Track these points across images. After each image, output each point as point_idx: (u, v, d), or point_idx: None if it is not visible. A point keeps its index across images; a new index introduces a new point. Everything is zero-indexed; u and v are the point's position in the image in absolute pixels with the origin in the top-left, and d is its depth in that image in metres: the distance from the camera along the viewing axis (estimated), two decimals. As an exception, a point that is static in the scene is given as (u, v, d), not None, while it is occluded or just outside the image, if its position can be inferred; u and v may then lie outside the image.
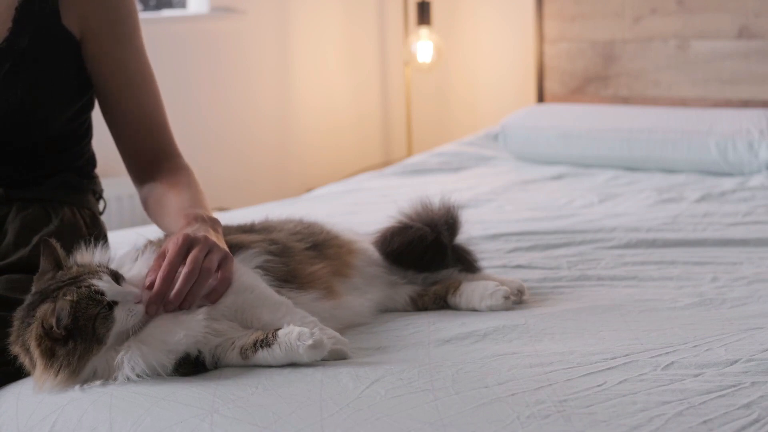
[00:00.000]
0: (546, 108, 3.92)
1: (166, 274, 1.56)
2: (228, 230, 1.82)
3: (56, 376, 1.51)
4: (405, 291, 1.94)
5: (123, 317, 1.52)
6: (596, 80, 3.99)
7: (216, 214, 1.79)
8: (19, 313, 1.56)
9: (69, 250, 1.81)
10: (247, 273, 1.67)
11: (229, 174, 4.02)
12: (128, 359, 1.52)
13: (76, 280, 1.54)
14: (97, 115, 1.96)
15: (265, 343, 1.56)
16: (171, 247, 1.59)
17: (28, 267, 1.76)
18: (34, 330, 1.50)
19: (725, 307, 1.93)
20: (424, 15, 4.28)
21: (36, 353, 1.51)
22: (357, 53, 4.47)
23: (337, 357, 1.60)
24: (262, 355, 1.56)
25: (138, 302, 1.53)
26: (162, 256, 1.60)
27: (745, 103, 3.68)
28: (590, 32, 3.98)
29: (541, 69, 4.11)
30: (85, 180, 1.94)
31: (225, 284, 1.62)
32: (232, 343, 1.59)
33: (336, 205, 3.07)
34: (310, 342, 1.54)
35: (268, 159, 4.18)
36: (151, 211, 1.87)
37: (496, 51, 4.44)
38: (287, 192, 4.11)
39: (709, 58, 3.75)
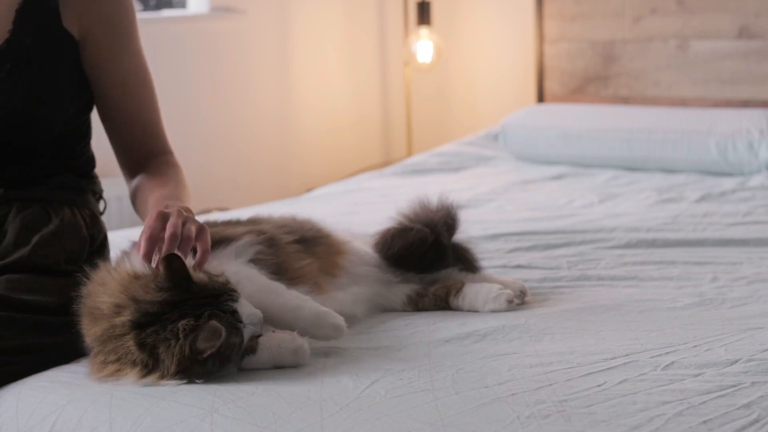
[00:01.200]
0: (546, 108, 3.92)
1: (149, 235, 1.62)
2: (213, 225, 1.83)
3: (167, 381, 1.52)
4: (402, 290, 1.94)
5: (247, 339, 1.55)
6: (596, 80, 3.99)
7: (216, 214, 1.80)
8: (138, 316, 1.52)
9: (69, 249, 1.82)
10: (242, 265, 1.69)
11: (229, 174, 4.01)
12: None
13: (217, 299, 1.53)
14: (95, 115, 1.96)
15: (249, 350, 1.57)
16: (147, 219, 1.66)
17: (28, 267, 1.76)
18: (177, 349, 1.49)
19: (725, 307, 1.93)
20: (424, 15, 4.28)
21: (171, 368, 1.50)
22: (357, 53, 4.47)
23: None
24: (249, 361, 1.58)
25: (260, 323, 1.57)
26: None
27: (745, 103, 3.68)
28: (590, 32, 3.97)
29: (541, 69, 4.10)
30: (85, 180, 1.94)
31: (206, 255, 1.65)
32: None
33: (336, 205, 3.07)
34: (291, 347, 1.58)
35: (268, 159, 4.17)
36: (136, 204, 1.91)
37: (496, 51, 4.44)
38: (287, 192, 4.11)
39: (709, 58, 3.75)
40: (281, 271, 1.74)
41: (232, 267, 1.67)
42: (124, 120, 1.92)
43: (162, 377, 1.51)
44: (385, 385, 1.51)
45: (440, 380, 1.52)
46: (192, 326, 1.49)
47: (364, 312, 1.87)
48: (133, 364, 1.53)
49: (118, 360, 1.55)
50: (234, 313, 1.53)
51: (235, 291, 1.56)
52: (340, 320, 1.65)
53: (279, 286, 1.68)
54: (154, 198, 1.80)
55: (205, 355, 1.49)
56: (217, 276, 1.58)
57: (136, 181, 1.92)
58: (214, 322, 1.49)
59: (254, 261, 1.73)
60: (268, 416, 1.43)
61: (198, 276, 1.56)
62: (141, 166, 1.93)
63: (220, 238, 1.74)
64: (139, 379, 1.53)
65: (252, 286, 1.64)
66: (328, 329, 1.64)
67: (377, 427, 1.38)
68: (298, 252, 1.82)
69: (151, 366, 1.52)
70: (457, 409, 1.42)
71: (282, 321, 1.63)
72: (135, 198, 1.91)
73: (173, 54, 3.80)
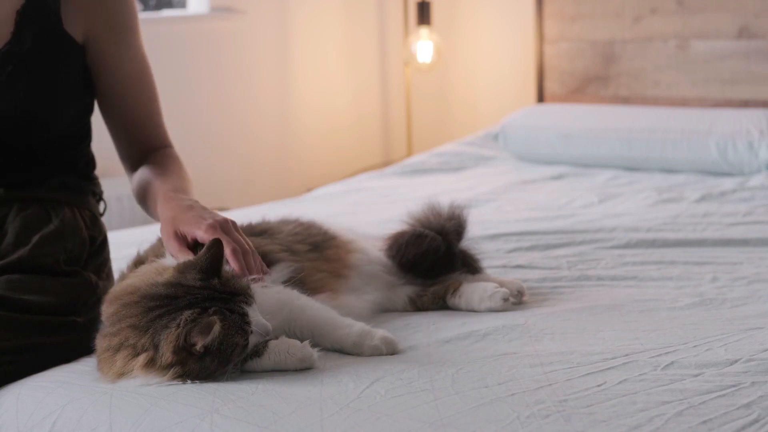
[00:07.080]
0: (546, 108, 3.92)
1: (233, 250, 1.63)
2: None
3: (172, 378, 1.51)
4: (404, 291, 1.94)
5: (251, 345, 1.55)
6: (596, 80, 3.99)
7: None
8: (147, 302, 1.53)
9: (69, 250, 1.82)
10: (281, 288, 1.71)
11: (229, 174, 4.02)
12: None
13: (231, 298, 1.53)
14: (95, 117, 1.96)
15: (255, 353, 1.57)
16: (227, 249, 1.62)
17: (28, 267, 1.76)
18: (173, 337, 1.49)
19: (725, 307, 1.93)
20: (424, 15, 4.28)
21: (167, 357, 1.50)
22: (357, 53, 4.47)
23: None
24: (253, 363, 1.58)
25: (268, 337, 1.57)
26: (182, 241, 1.67)
27: (745, 103, 3.68)
28: (590, 32, 3.98)
29: (541, 69, 4.11)
30: (85, 182, 1.95)
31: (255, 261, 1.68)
32: None
33: (336, 205, 3.07)
34: (299, 356, 1.58)
35: (268, 159, 4.18)
36: (138, 197, 1.91)
37: (496, 51, 4.44)
38: (287, 192, 4.11)
39: (709, 58, 3.75)
40: (301, 284, 1.76)
41: (275, 288, 1.69)
42: (125, 116, 1.93)
43: (161, 367, 1.51)
44: (385, 385, 1.51)
45: (440, 380, 1.52)
46: (195, 317, 1.49)
47: (370, 315, 1.88)
48: (134, 348, 1.53)
49: (120, 345, 1.54)
50: (244, 315, 1.53)
51: (251, 297, 1.56)
52: (383, 341, 1.66)
53: (326, 307, 1.71)
54: (164, 191, 1.80)
55: (197, 348, 1.49)
56: (240, 278, 1.58)
57: (138, 174, 1.92)
58: (212, 318, 1.49)
59: (286, 280, 1.75)
60: (268, 416, 1.43)
61: (225, 271, 1.57)
62: (141, 159, 1.94)
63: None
64: (143, 370, 1.52)
65: (298, 302, 1.68)
66: (370, 350, 1.65)
67: (377, 427, 1.38)
68: (314, 261, 1.83)
69: (150, 351, 1.51)
70: (457, 409, 1.42)
71: (329, 337, 1.67)
72: (141, 192, 1.90)
73: (173, 54, 3.80)
